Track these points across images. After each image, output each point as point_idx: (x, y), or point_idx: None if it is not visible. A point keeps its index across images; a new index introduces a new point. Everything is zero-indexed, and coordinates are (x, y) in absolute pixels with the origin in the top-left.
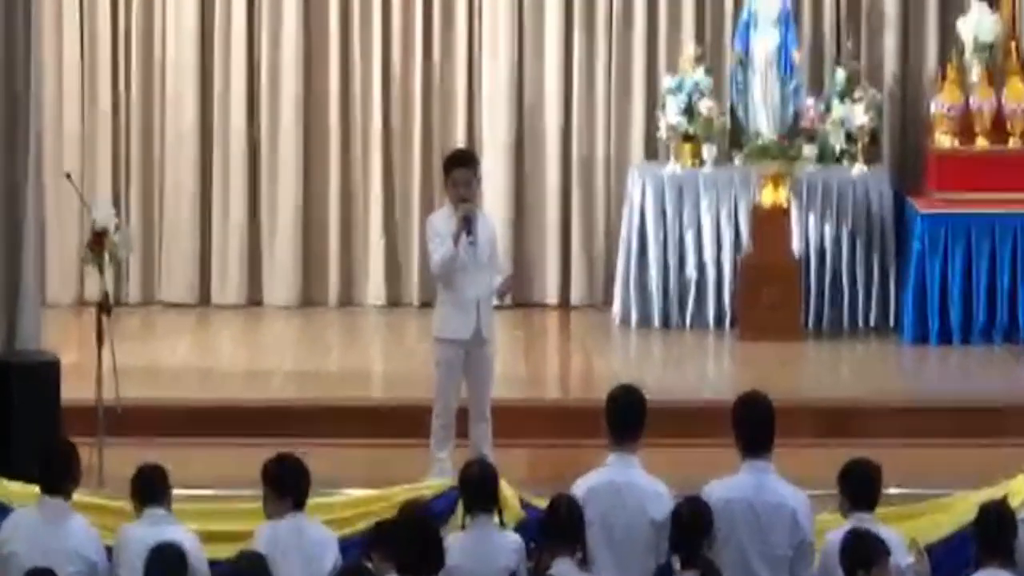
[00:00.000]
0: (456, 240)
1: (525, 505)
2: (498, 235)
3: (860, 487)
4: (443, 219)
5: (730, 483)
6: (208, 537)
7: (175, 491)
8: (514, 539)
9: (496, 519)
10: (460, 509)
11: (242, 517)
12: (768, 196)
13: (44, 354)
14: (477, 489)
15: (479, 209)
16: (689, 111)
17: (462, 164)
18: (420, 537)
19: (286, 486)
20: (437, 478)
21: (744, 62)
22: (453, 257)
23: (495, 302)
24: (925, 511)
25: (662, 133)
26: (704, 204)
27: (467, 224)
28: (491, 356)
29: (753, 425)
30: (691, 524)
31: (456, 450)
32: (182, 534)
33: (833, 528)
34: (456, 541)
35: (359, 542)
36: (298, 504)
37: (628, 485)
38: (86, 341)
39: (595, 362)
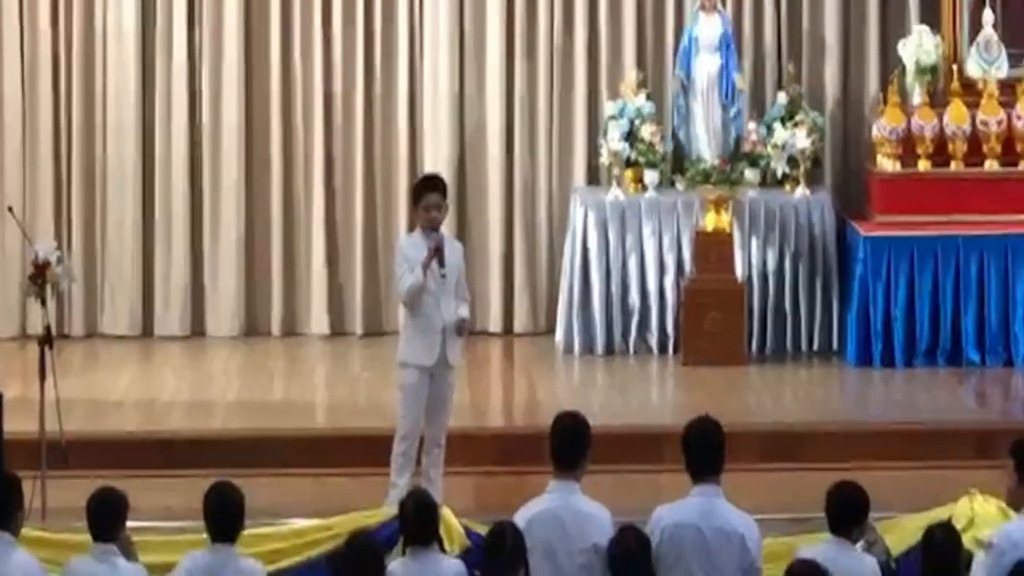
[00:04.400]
0: (425, 269)
1: (470, 533)
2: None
3: (840, 511)
4: (412, 245)
5: (679, 508)
6: (154, 570)
7: None
8: (456, 565)
9: (436, 547)
10: None
11: (189, 549)
12: (711, 221)
13: None
14: (415, 523)
15: (446, 236)
16: (631, 137)
17: (433, 189)
18: (366, 565)
19: (208, 517)
20: (395, 505)
21: (686, 87)
22: (421, 285)
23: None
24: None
25: (604, 159)
26: (647, 230)
27: (438, 253)
28: (453, 383)
29: (703, 450)
30: (628, 555)
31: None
32: (130, 569)
33: (807, 546)
34: (398, 568)
35: (303, 572)
36: (222, 536)
37: (570, 511)
38: (29, 374)
39: (539, 389)
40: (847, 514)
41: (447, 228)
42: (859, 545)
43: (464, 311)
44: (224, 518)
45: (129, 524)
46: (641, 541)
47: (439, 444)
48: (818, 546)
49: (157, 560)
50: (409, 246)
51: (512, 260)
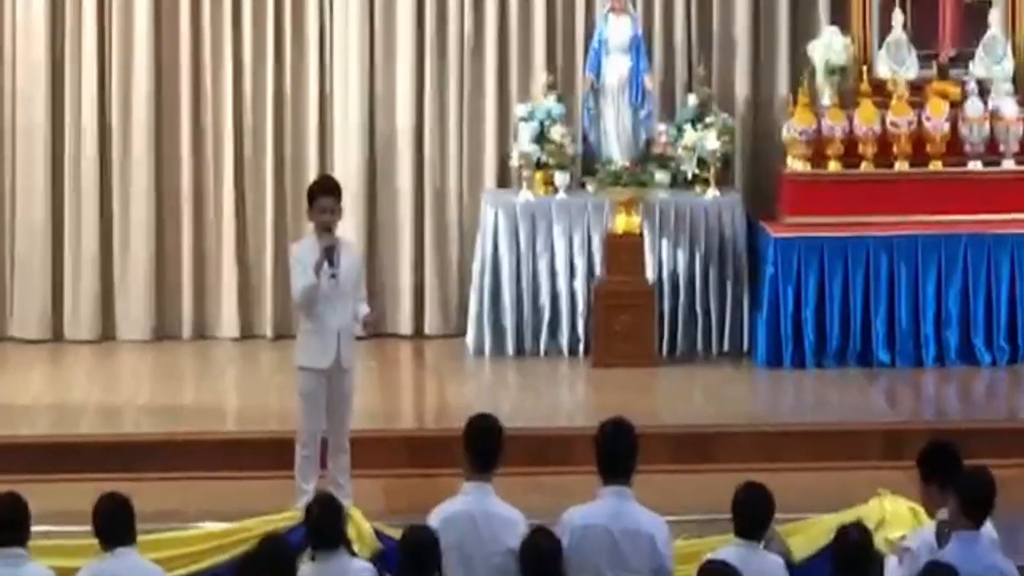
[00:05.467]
0: (318, 271)
1: (380, 536)
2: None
3: (746, 513)
4: (306, 248)
5: (589, 509)
6: (65, 574)
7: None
8: (365, 567)
9: (344, 550)
10: None
11: (95, 553)
12: (621, 223)
13: None
14: (321, 527)
15: (343, 239)
16: (541, 139)
17: (326, 192)
18: (278, 569)
19: (98, 526)
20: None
21: (596, 89)
22: (314, 287)
23: (360, 333)
24: (785, 534)
25: (514, 161)
26: (557, 231)
27: (329, 255)
28: (351, 386)
29: (616, 451)
30: (539, 556)
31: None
32: (40, 572)
33: (713, 551)
34: (308, 572)
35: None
36: (119, 541)
37: (483, 514)
38: None
39: (449, 392)
40: (755, 516)
41: (358, 229)
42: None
43: (364, 309)
44: (117, 525)
45: (39, 528)
46: (552, 543)
47: (344, 449)
48: (727, 549)
49: (64, 565)
50: (302, 249)
51: (423, 262)
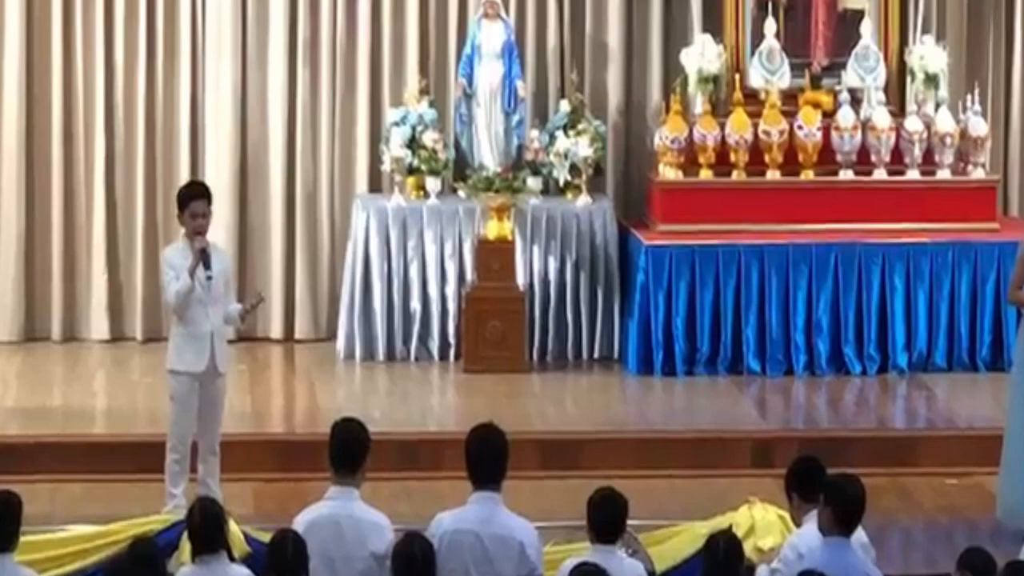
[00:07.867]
0: (192, 273)
1: (250, 540)
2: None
3: (601, 519)
4: (178, 252)
5: (459, 514)
6: None
7: None
8: (246, 573)
9: (225, 555)
10: (185, 543)
11: None
12: (492, 229)
13: None
14: (202, 531)
15: (212, 243)
16: (413, 144)
17: (198, 196)
18: (147, 572)
19: None
20: (173, 514)
21: (468, 94)
22: (189, 290)
23: (231, 336)
24: (654, 541)
25: (386, 166)
26: (428, 237)
27: (204, 257)
28: (224, 390)
29: (485, 457)
30: (412, 562)
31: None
32: None
33: (573, 558)
34: (188, 574)
35: None
36: None
37: (348, 518)
38: None
39: (320, 396)
40: (609, 521)
41: (229, 233)
42: (621, 552)
43: (236, 307)
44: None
45: None
46: (426, 548)
47: (214, 452)
48: (583, 556)
49: None
50: (174, 254)
51: (293, 266)
